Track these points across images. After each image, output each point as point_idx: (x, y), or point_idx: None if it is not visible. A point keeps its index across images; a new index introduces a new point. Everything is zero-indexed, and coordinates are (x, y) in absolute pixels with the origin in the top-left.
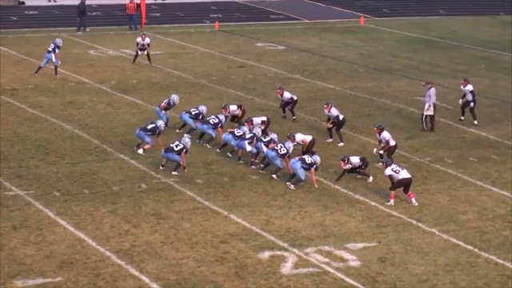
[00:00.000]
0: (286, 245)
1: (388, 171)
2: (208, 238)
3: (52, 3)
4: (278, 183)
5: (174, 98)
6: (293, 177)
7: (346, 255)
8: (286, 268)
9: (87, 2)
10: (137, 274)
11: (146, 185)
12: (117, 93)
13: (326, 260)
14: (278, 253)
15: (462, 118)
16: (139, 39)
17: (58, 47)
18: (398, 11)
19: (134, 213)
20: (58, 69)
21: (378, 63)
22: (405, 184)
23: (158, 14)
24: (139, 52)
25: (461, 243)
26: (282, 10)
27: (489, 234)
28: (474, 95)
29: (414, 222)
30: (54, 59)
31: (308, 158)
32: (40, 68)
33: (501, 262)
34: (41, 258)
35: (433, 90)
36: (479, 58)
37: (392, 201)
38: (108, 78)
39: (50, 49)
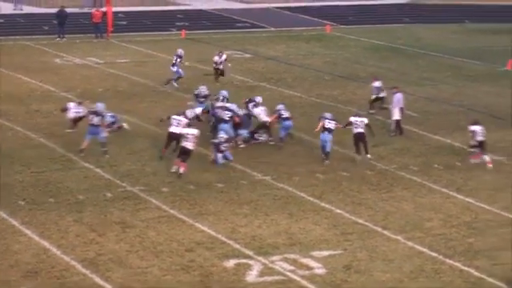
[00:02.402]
0: (251, 253)
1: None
2: (173, 247)
3: (18, 11)
4: (244, 191)
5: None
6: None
7: (311, 263)
8: (252, 276)
9: (53, 11)
10: (102, 282)
11: (112, 193)
12: (83, 101)
13: (292, 268)
14: (244, 261)
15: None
16: (216, 57)
17: (181, 57)
18: (364, 19)
19: (100, 221)
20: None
21: (344, 71)
22: (183, 152)
23: (124, 23)
24: (217, 68)
25: (426, 250)
26: (248, 18)
27: (454, 241)
28: (379, 90)
29: (380, 229)
30: (176, 69)
31: None
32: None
33: (465, 268)
34: (5, 267)
35: (397, 95)
36: (445, 65)
37: (175, 167)
38: (74, 86)
39: (174, 61)
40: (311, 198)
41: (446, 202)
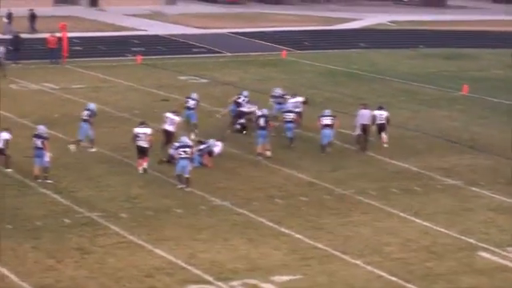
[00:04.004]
0: (211, 278)
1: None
2: (133, 273)
3: None
4: (203, 216)
5: None
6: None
7: None
8: None
9: (6, 37)
10: None
11: (70, 219)
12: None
13: None
14: (204, 286)
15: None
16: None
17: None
18: (319, 45)
19: (58, 248)
20: None
21: (301, 96)
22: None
23: (79, 48)
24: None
25: (385, 275)
26: (204, 44)
27: (412, 266)
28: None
29: (339, 253)
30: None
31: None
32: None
33: None
34: None
35: (361, 112)
36: (400, 90)
37: (140, 168)
38: (30, 112)
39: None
40: (270, 223)
41: (404, 227)
